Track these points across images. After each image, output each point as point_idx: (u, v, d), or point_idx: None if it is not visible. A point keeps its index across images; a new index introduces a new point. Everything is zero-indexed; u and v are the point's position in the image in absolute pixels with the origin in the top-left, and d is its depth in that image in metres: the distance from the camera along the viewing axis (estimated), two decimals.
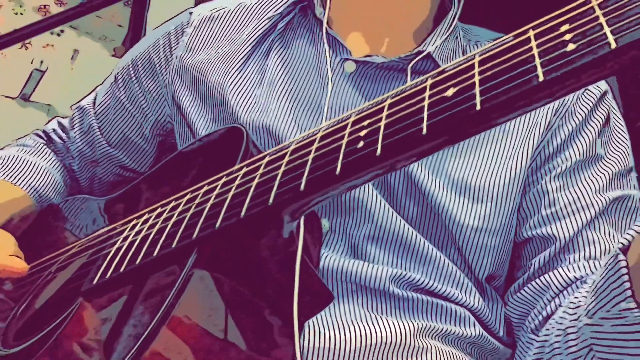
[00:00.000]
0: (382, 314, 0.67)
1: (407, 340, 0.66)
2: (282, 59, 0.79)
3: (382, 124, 0.46)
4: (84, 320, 0.58)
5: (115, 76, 0.94)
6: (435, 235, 0.71)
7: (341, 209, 0.70)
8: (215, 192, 0.55)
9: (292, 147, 0.53)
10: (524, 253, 0.74)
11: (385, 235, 0.69)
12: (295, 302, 0.54)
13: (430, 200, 0.70)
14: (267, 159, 0.54)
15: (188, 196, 0.59)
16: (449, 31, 0.77)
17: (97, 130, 0.93)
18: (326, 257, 0.68)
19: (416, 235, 0.69)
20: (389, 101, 0.48)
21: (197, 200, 0.56)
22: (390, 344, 0.65)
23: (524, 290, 0.71)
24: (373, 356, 0.64)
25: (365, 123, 0.48)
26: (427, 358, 0.67)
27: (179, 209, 0.57)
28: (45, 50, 2.32)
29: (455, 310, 0.69)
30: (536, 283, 0.70)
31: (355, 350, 0.63)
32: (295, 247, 0.54)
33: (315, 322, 0.64)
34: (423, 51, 0.74)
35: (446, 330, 0.69)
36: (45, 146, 0.96)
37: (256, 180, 0.52)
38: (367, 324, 0.65)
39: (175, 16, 0.93)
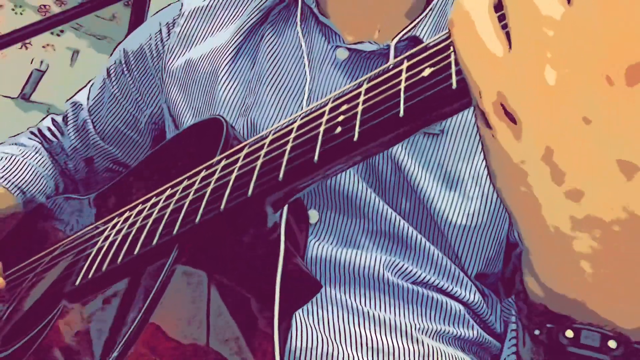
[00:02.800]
0: (376, 309, 0.64)
1: (404, 344, 0.63)
2: (272, 48, 0.76)
3: (360, 109, 0.44)
4: (68, 323, 0.57)
5: (107, 70, 0.92)
6: (427, 230, 0.68)
7: (331, 204, 0.67)
8: (195, 187, 0.54)
9: (270, 137, 0.51)
10: (514, 256, 0.71)
11: (378, 228, 0.67)
12: (277, 293, 0.52)
13: (420, 195, 0.67)
14: (245, 150, 0.53)
15: (167, 192, 0.57)
16: (440, 10, 0.74)
17: (91, 126, 0.91)
18: (315, 246, 0.65)
19: (410, 230, 0.67)
20: (365, 85, 0.46)
21: (177, 197, 0.55)
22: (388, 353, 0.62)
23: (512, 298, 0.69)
24: None
25: (342, 109, 0.46)
26: None
27: (159, 206, 0.56)
28: (45, 50, 2.31)
29: (452, 307, 0.66)
30: None
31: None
32: (278, 237, 0.53)
33: (305, 322, 0.61)
34: (412, 36, 0.71)
35: (444, 331, 0.66)
36: (40, 146, 0.94)
37: (235, 173, 0.50)
38: (363, 331, 0.62)
39: (167, 5, 0.90)
